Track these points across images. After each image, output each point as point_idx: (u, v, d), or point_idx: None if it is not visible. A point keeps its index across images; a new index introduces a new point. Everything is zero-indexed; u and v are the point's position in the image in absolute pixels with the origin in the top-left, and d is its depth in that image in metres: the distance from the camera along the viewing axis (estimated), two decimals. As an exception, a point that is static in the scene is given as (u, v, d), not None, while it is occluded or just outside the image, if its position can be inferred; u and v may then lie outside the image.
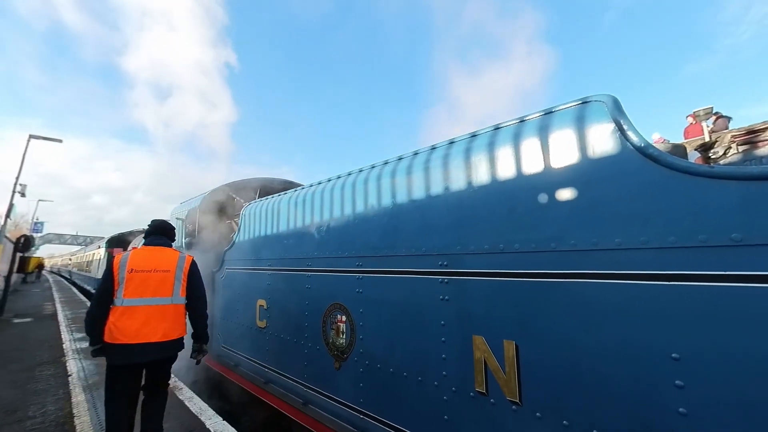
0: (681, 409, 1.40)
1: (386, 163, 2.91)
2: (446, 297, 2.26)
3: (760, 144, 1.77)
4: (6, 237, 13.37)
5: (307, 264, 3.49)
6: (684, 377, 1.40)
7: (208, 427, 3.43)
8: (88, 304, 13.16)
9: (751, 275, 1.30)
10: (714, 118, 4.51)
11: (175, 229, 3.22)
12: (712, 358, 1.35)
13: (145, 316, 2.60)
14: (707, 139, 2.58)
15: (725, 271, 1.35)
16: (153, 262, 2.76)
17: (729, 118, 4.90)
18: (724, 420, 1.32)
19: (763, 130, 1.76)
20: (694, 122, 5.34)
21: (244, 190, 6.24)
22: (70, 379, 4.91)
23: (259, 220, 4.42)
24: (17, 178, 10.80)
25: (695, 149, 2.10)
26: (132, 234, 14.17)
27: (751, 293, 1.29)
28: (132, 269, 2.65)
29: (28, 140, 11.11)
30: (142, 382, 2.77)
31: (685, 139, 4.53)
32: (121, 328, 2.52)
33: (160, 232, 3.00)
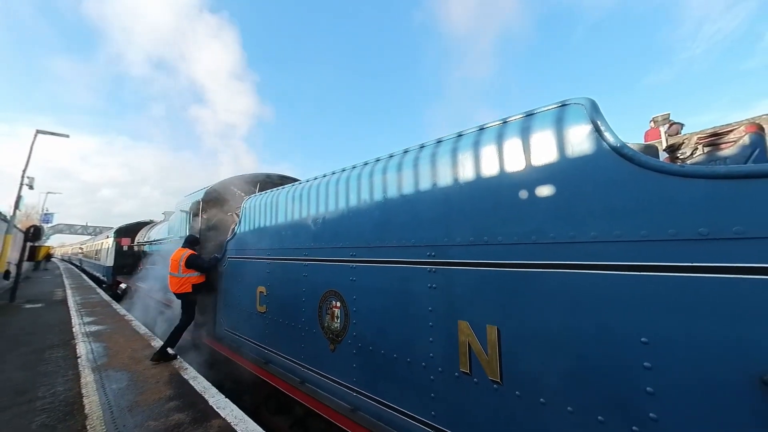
0: (648, 389, 1.39)
1: (378, 160, 2.83)
2: (434, 285, 2.21)
3: (723, 146, 1.76)
4: (16, 227, 12.81)
5: (305, 254, 3.40)
6: (652, 359, 1.39)
7: (211, 404, 3.35)
8: (98, 289, 12.76)
9: (716, 267, 1.28)
10: (669, 124, 4.61)
11: (195, 239, 5.22)
12: (677, 342, 1.34)
13: (171, 280, 4.84)
14: (664, 142, 2.58)
15: (692, 263, 1.33)
16: (176, 255, 4.84)
17: (681, 125, 4.99)
18: (686, 397, 1.31)
19: (726, 133, 1.75)
20: (654, 126, 5.41)
21: (245, 183, 6.07)
22: (79, 360, 4.74)
23: (259, 212, 4.29)
24: (24, 171, 10.27)
25: (664, 149, 2.09)
26: (139, 225, 13.72)
27: (715, 283, 1.28)
28: (171, 259, 4.88)
29: (35, 135, 10.55)
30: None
31: (645, 141, 4.58)
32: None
33: (187, 240, 5.10)
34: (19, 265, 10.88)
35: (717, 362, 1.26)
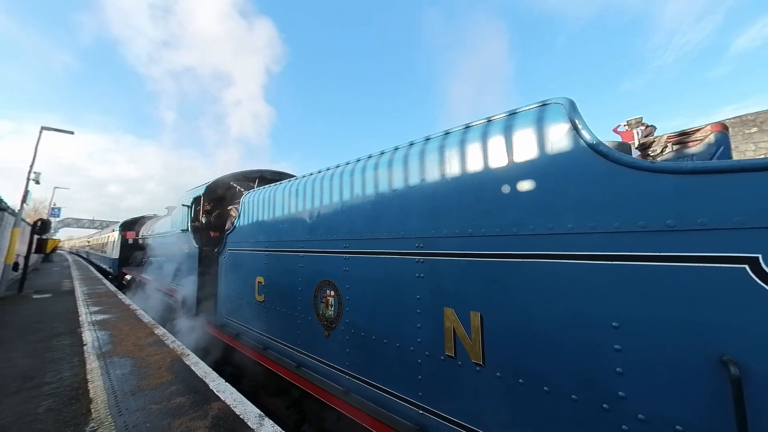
0: (618, 369, 1.40)
1: (370, 157, 2.79)
2: (421, 274, 2.20)
3: (690, 144, 1.77)
4: (24, 221, 12.48)
5: (300, 246, 3.37)
6: (622, 342, 1.40)
7: (211, 388, 3.32)
8: (104, 280, 12.53)
9: (681, 256, 1.29)
10: (642, 127, 4.68)
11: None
12: (645, 326, 1.35)
13: None
14: (637, 142, 2.59)
15: (660, 252, 1.34)
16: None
17: (654, 127, 5.06)
18: (652, 377, 1.33)
19: (693, 132, 1.77)
20: (628, 129, 5.45)
21: (244, 179, 5.98)
22: (85, 348, 4.65)
23: (257, 206, 4.24)
24: (31, 166, 9.96)
25: (636, 147, 2.10)
26: (143, 218, 13.48)
27: (680, 271, 1.29)
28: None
29: (40, 131, 10.23)
30: None
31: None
32: None
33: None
34: (26, 258, 10.63)
35: (681, 344, 1.27)
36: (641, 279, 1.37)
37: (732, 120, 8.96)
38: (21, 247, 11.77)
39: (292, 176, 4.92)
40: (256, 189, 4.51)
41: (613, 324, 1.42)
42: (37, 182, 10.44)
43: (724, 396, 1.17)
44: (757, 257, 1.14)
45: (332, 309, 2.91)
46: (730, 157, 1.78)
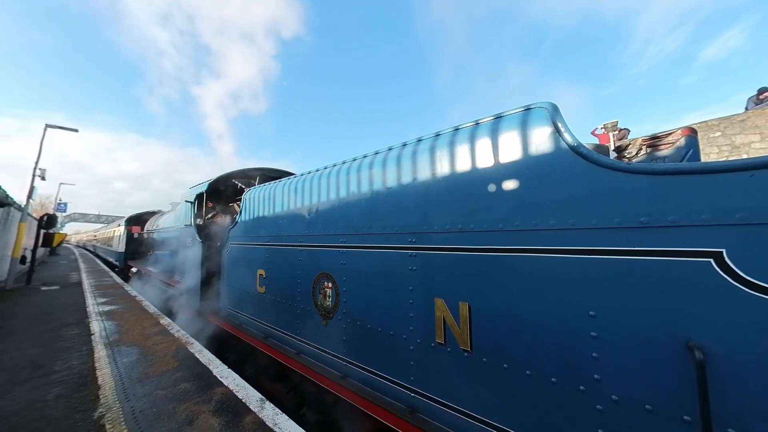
0: (594, 354, 1.43)
1: (365, 156, 2.77)
2: (414, 267, 2.21)
3: (662, 147, 1.80)
4: (30, 216, 12.13)
5: (300, 240, 3.34)
6: (597, 330, 1.43)
7: (215, 374, 3.30)
8: (111, 272, 12.29)
9: (653, 250, 1.31)
10: (617, 131, 4.75)
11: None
12: (619, 315, 1.38)
13: None
14: (612, 144, 2.62)
15: (634, 247, 1.36)
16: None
17: (628, 130, 5.13)
18: (625, 361, 1.36)
19: (665, 136, 1.79)
20: (605, 131, 5.53)
21: (245, 177, 5.89)
22: (93, 337, 4.57)
23: (258, 203, 4.18)
24: (36, 162, 9.65)
25: (613, 150, 2.13)
26: (147, 214, 13.23)
27: (652, 264, 1.31)
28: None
29: (45, 129, 9.89)
30: None
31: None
32: None
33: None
34: (33, 251, 10.35)
35: (651, 331, 1.30)
36: (616, 272, 1.39)
37: (698, 125, 9.12)
38: (28, 241, 11.47)
39: (292, 174, 4.86)
40: (257, 186, 4.45)
41: (590, 313, 1.45)
42: (43, 178, 10.14)
43: (689, 378, 1.21)
44: (722, 252, 1.17)
45: (330, 300, 2.90)
46: (698, 159, 1.81)
